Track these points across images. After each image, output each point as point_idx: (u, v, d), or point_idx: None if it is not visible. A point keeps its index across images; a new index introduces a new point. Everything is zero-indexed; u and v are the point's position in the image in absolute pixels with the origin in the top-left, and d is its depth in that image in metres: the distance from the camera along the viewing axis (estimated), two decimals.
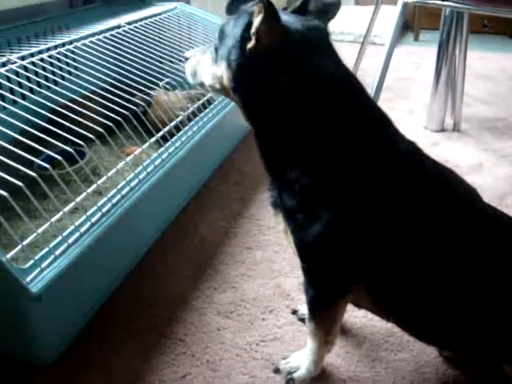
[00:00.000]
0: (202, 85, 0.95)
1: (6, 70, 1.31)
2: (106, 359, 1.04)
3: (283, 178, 0.84)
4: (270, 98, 0.80)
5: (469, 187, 0.86)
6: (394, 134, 0.84)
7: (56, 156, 1.09)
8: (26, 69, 1.36)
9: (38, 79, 1.39)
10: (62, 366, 1.02)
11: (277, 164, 0.85)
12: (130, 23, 1.76)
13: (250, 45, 0.77)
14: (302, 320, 1.12)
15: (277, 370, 1.01)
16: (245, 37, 0.78)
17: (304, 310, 1.13)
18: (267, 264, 1.31)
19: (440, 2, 1.62)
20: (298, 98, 0.79)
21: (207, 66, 0.90)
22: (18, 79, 1.35)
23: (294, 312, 1.16)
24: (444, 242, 0.81)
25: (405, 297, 0.85)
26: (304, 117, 0.79)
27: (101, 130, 1.21)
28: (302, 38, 0.79)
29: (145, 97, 1.51)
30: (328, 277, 0.87)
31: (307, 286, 0.90)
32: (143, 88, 1.51)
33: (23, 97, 1.35)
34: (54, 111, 1.29)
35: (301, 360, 0.99)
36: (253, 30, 0.76)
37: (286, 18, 0.80)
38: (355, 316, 1.13)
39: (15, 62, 1.34)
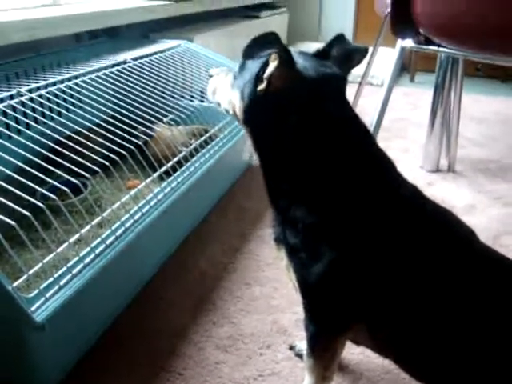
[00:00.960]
0: (219, 105, 0.97)
1: (15, 102, 1.34)
2: None
3: (287, 215, 0.86)
4: (278, 136, 0.83)
5: (467, 229, 0.88)
6: (396, 177, 0.86)
7: (61, 187, 1.11)
8: (32, 101, 1.39)
9: (44, 110, 1.42)
10: None
11: (281, 200, 0.87)
12: (135, 59, 1.79)
13: (261, 87, 0.81)
14: (299, 356, 1.13)
15: None
16: (259, 74, 0.81)
17: (301, 345, 1.13)
18: (265, 300, 1.32)
19: (437, 48, 1.67)
20: (305, 139, 0.82)
21: (226, 89, 0.93)
22: (25, 110, 1.37)
23: (292, 348, 1.16)
24: (444, 284, 0.82)
25: (404, 336, 0.86)
26: (310, 158, 0.82)
27: (104, 162, 1.23)
28: (313, 84, 0.82)
29: (146, 130, 1.53)
30: (329, 314, 0.88)
31: (308, 322, 0.91)
32: (147, 123, 1.54)
33: (28, 128, 1.38)
34: (56, 143, 1.31)
35: None
36: (266, 74, 0.79)
37: (303, 62, 0.83)
38: (352, 353, 1.14)
39: (24, 95, 1.37)
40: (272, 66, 0.78)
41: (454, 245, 0.85)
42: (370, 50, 2.30)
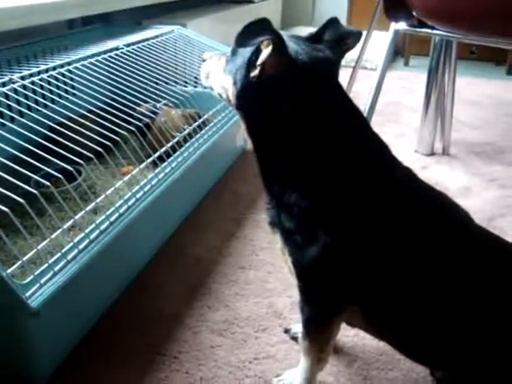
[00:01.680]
0: (212, 89, 0.97)
1: (8, 89, 1.33)
2: (101, 375, 1.05)
3: (282, 199, 0.86)
4: (271, 121, 0.83)
5: (462, 211, 0.88)
6: (391, 160, 0.86)
7: (56, 174, 1.11)
8: (25, 88, 1.39)
9: (37, 97, 1.41)
10: (56, 382, 1.03)
11: (275, 184, 0.87)
12: (128, 45, 1.78)
13: (254, 73, 0.80)
14: (294, 339, 1.14)
15: None
16: (252, 60, 0.80)
17: (296, 328, 1.14)
18: (260, 283, 1.33)
19: (430, 31, 1.67)
20: (299, 125, 0.81)
21: (218, 74, 0.92)
22: (17, 97, 1.37)
23: (287, 331, 1.17)
24: (439, 266, 0.83)
25: (398, 318, 0.87)
26: (304, 143, 0.82)
27: (98, 148, 1.23)
28: (306, 69, 0.81)
29: (147, 113, 1.53)
30: (323, 296, 0.89)
31: (303, 304, 0.91)
32: (141, 109, 1.54)
33: (21, 115, 1.37)
34: (50, 130, 1.31)
35: (294, 378, 1.00)
36: (259, 61, 0.78)
37: (295, 47, 0.82)
38: (347, 335, 1.15)
39: (16, 82, 1.37)
40: (265, 52, 0.77)
41: (449, 227, 0.85)
42: (364, 33, 2.29)
